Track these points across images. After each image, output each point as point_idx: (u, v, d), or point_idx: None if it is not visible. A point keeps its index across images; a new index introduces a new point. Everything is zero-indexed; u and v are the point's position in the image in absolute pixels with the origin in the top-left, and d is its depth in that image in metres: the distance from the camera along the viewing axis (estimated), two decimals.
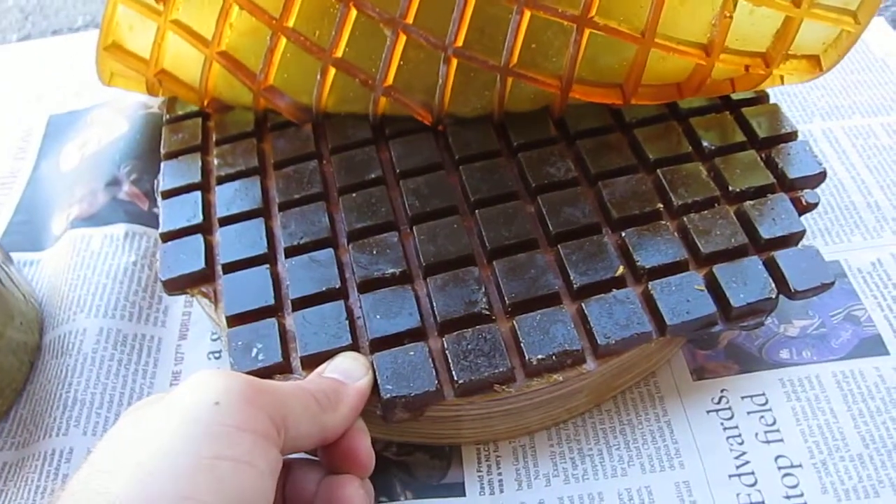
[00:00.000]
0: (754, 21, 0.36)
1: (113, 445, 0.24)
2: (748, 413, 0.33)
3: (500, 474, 0.33)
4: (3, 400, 0.36)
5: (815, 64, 0.37)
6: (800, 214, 0.35)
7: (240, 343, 0.32)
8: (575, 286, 0.33)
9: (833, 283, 0.33)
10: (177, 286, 0.36)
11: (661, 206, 0.35)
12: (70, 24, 0.95)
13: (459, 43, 0.36)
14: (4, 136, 0.51)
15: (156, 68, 0.42)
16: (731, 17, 0.35)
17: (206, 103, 0.42)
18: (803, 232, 0.34)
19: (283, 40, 0.39)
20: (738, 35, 0.36)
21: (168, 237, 0.37)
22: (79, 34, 0.60)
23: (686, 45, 0.36)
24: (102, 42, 0.41)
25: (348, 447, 0.28)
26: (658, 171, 0.36)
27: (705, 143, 0.37)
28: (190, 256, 0.36)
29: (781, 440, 0.32)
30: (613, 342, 0.31)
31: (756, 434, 0.33)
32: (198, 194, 0.39)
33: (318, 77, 0.39)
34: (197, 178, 0.39)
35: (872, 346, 0.35)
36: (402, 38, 0.37)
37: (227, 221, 0.37)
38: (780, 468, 0.32)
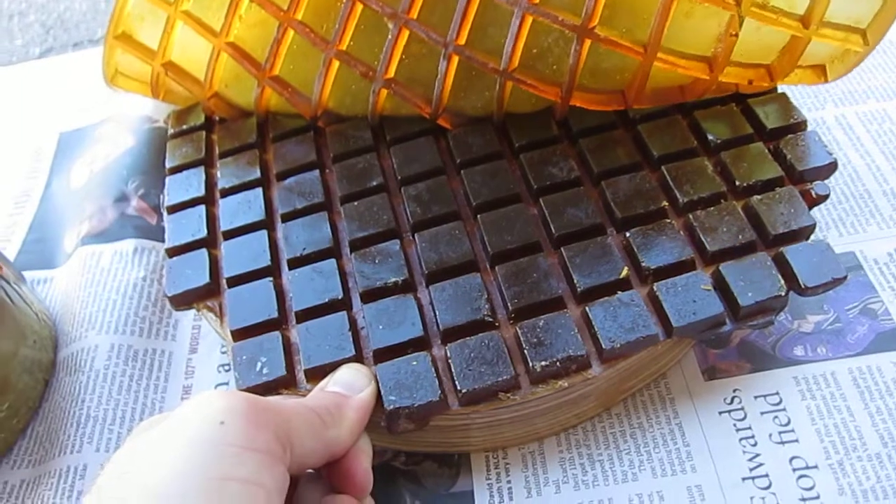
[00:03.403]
0: (761, 37, 0.35)
1: (120, 469, 0.24)
2: (761, 413, 0.33)
3: (509, 482, 0.32)
4: (19, 419, 0.37)
5: (821, 73, 0.36)
6: (810, 207, 0.34)
7: (244, 357, 0.32)
8: (579, 289, 0.32)
9: (845, 278, 0.32)
10: (183, 301, 0.36)
11: (667, 203, 0.35)
12: (90, 36, 0.97)
13: (461, 41, 0.36)
14: (17, 156, 0.51)
15: (163, 59, 0.42)
16: (736, 36, 0.34)
17: (209, 98, 0.42)
18: (814, 225, 0.33)
19: (291, 32, 0.39)
20: (744, 49, 0.35)
21: (174, 252, 0.37)
22: (87, 51, 0.61)
23: (689, 59, 0.35)
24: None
25: (347, 467, 0.28)
26: (663, 167, 0.36)
27: (711, 137, 0.37)
28: (195, 271, 0.36)
29: (796, 441, 0.32)
30: (619, 346, 0.30)
31: (770, 435, 0.32)
32: (202, 208, 0.39)
33: (321, 69, 0.39)
34: (201, 192, 0.40)
35: (890, 340, 0.34)
36: (405, 32, 0.37)
37: (230, 235, 0.37)
38: (795, 470, 0.31)
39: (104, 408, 0.36)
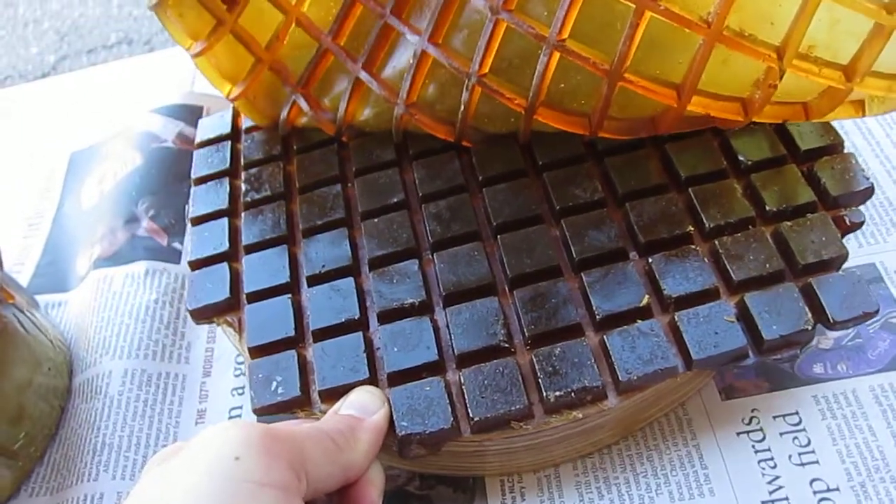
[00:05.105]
0: (800, 81, 0.32)
1: None
2: (780, 434, 0.32)
3: None
4: (37, 446, 0.37)
5: (859, 108, 0.34)
6: (842, 235, 0.32)
7: (260, 376, 0.32)
8: (598, 317, 0.32)
9: (877, 312, 0.30)
10: (203, 315, 0.36)
11: (692, 228, 0.33)
12: (104, 42, 0.96)
13: (485, 70, 0.35)
14: (30, 176, 0.51)
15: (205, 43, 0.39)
16: (775, 87, 0.32)
17: (236, 97, 0.41)
18: (846, 255, 0.32)
19: (332, 58, 0.38)
20: (782, 90, 0.33)
21: (196, 265, 0.37)
22: (95, 67, 0.61)
23: (723, 101, 0.34)
24: None
25: (356, 497, 0.28)
26: (690, 189, 0.34)
27: (741, 158, 0.35)
28: (216, 285, 0.36)
29: (817, 462, 0.31)
30: (636, 378, 0.30)
31: (790, 456, 0.32)
32: (225, 221, 0.38)
33: (347, 87, 0.38)
34: (225, 204, 0.39)
35: None
36: (429, 57, 0.36)
37: (252, 249, 0.37)
38: (816, 492, 0.30)
39: (119, 434, 0.36)
